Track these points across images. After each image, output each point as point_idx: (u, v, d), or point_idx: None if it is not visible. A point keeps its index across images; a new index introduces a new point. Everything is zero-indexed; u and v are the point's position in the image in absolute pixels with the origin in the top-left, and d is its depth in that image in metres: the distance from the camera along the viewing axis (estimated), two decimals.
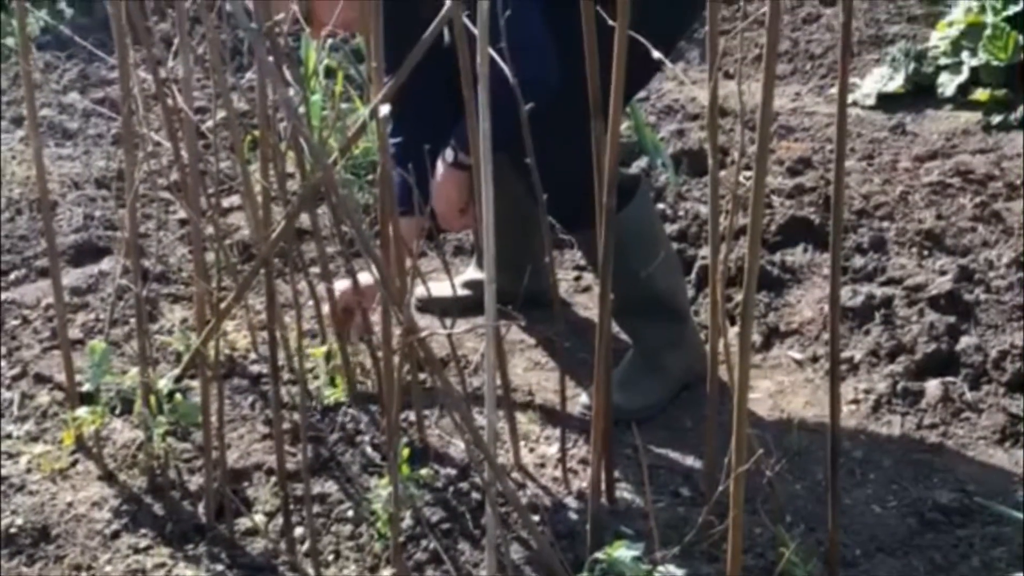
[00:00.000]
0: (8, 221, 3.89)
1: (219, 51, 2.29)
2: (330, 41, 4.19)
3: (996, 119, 4.38)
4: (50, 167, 4.12)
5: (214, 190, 2.47)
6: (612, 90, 1.97)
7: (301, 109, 2.30)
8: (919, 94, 4.71)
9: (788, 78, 5.10)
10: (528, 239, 3.06)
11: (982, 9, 4.63)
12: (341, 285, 2.85)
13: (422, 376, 2.70)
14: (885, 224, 3.68)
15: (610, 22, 1.89)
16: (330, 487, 2.61)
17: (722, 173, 3.36)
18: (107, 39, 2.74)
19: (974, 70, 4.55)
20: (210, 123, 2.54)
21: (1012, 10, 4.56)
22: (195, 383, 2.70)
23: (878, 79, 4.74)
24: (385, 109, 1.99)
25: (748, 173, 2.43)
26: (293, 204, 2.42)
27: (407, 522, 2.44)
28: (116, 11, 2.34)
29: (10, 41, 5.51)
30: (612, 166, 2.07)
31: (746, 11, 5.17)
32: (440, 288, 2.93)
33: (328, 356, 2.91)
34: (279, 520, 2.50)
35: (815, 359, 3.15)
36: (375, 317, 2.65)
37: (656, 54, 1.86)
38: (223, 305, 2.48)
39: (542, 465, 2.72)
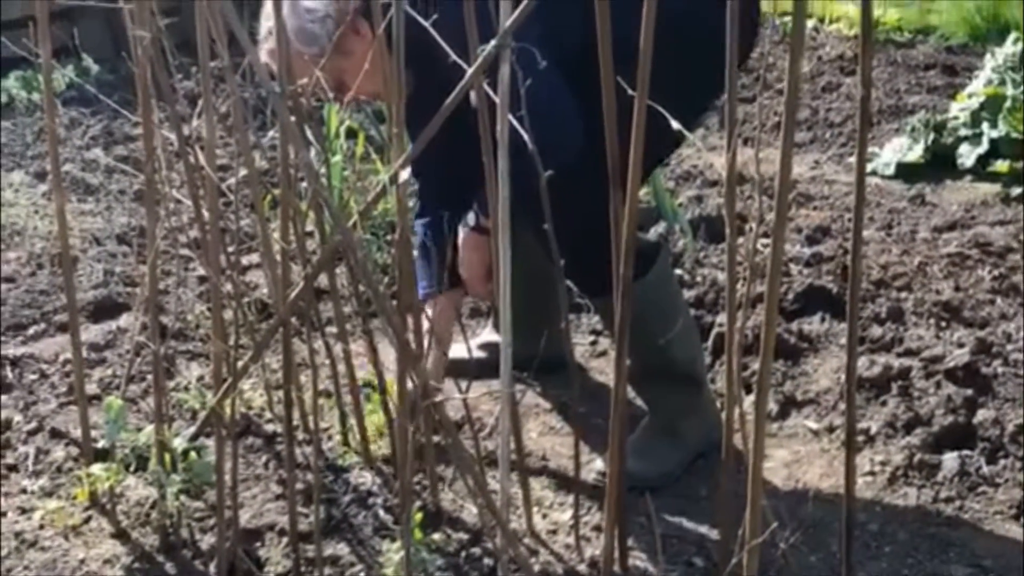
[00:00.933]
0: (29, 275, 3.91)
1: (242, 110, 2.31)
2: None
3: (1016, 191, 4.39)
4: (72, 222, 4.16)
5: (234, 248, 2.49)
6: (631, 160, 1.98)
7: (322, 170, 2.31)
8: (938, 164, 4.73)
9: (807, 146, 5.13)
10: (545, 303, 3.07)
11: (1002, 82, 4.65)
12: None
13: (436, 439, 2.69)
14: (903, 295, 3.67)
15: (630, 91, 1.90)
16: (342, 549, 2.60)
17: (740, 240, 3.37)
18: (131, 96, 2.77)
19: (994, 142, 4.56)
20: (231, 181, 2.55)
21: None
22: (210, 441, 2.71)
23: (898, 149, 4.75)
24: (405, 174, 2.00)
25: (766, 241, 2.43)
26: (312, 265, 2.43)
27: None
28: (141, 69, 2.37)
29: (36, 96, 5.59)
30: (630, 235, 2.07)
31: (765, 79, 5.23)
32: (456, 350, 2.93)
33: (343, 417, 2.91)
34: None
35: (831, 429, 3.13)
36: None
37: (676, 125, 1.87)
38: (240, 364, 2.49)
39: (555, 532, 2.70)
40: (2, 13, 5.66)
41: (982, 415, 3.04)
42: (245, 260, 3.86)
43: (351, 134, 4.47)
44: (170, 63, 2.45)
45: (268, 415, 3.12)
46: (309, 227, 2.99)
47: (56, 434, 3.04)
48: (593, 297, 2.50)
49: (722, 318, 3.39)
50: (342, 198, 3.92)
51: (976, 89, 4.73)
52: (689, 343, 2.97)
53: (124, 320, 3.61)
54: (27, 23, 2.68)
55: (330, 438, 2.90)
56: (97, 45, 6.12)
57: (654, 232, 4.11)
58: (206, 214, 2.40)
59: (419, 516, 2.44)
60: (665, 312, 2.86)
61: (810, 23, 6.61)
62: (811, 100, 5.44)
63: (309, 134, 2.45)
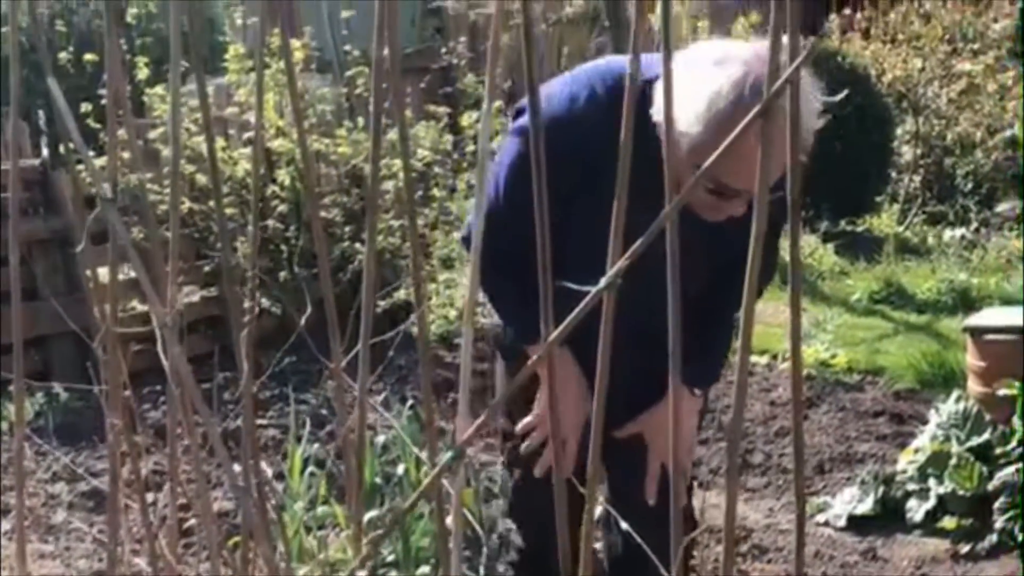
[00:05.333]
0: None
1: (216, 440, 2.38)
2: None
3: (964, 548, 4.48)
4: (31, 565, 4.16)
5: None
6: None
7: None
8: (889, 517, 4.82)
9: (762, 491, 5.22)
10: None
11: (947, 438, 4.81)
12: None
13: None
14: None
15: None
16: None
17: None
18: (99, 424, 2.84)
19: (941, 498, 4.68)
20: (192, 522, 2.60)
21: (975, 441, 4.73)
22: None
23: (848, 500, 4.86)
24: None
25: None
26: None
27: None
28: (113, 399, 2.44)
29: (3, 425, 5.65)
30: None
31: (720, 421, 5.37)
32: None
33: None
34: None
35: None
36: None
37: None
38: None
39: None
40: None
41: None
42: None
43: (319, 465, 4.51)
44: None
45: None
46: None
47: None
48: None
49: None
50: (301, 546, 3.96)
51: (923, 444, 4.88)
52: None
53: None
54: None
55: None
56: (68, 370, 6.23)
57: None
58: (167, 554, 2.44)
59: None
60: None
61: (762, 360, 6.82)
62: (764, 444, 5.58)
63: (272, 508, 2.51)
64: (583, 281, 1.23)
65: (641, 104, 2.33)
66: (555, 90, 2.54)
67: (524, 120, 2.51)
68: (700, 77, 2.28)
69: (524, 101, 2.53)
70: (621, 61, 2.60)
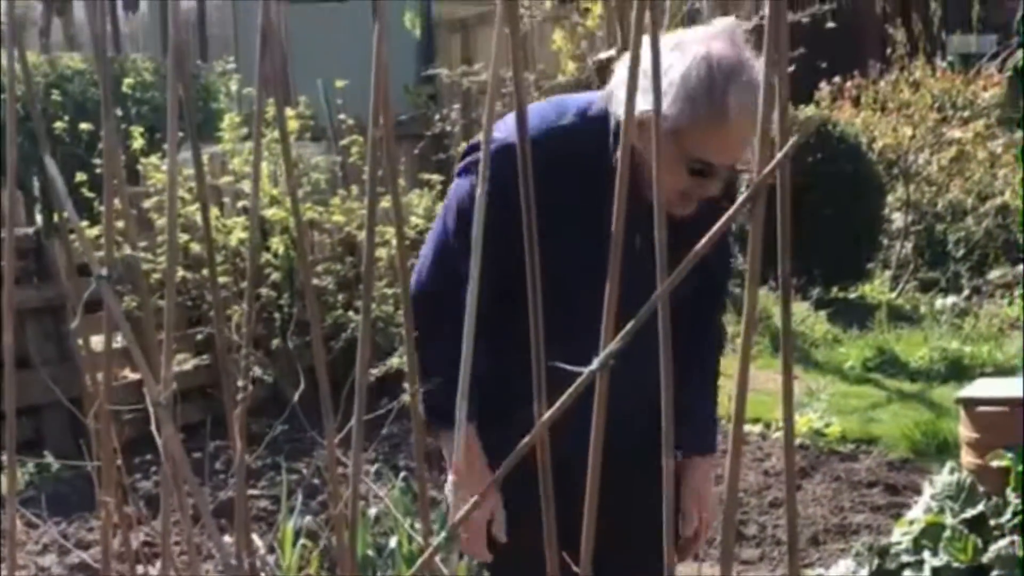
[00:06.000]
0: None
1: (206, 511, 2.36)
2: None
3: None
4: None
5: None
6: None
7: None
8: None
9: (756, 563, 5.20)
10: None
11: (940, 510, 4.78)
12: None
13: None
14: None
15: None
16: None
17: None
18: (90, 492, 2.82)
19: (936, 570, 4.64)
20: None
21: (970, 512, 4.71)
22: None
23: (844, 572, 4.83)
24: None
25: None
26: None
27: None
28: (106, 478, 2.42)
29: None
30: None
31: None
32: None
33: None
34: None
35: None
36: None
37: None
38: None
39: None
40: None
41: None
42: None
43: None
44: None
45: None
46: None
47: None
48: None
49: None
50: None
51: (916, 516, 4.86)
52: None
53: None
54: None
55: None
56: (60, 439, 6.20)
57: None
58: None
59: None
60: None
61: (755, 428, 6.80)
62: (758, 515, 5.56)
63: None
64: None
65: (604, 135, 2.38)
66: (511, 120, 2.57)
67: (472, 156, 2.54)
68: (664, 65, 2.31)
69: (475, 139, 2.55)
70: (576, 97, 2.66)
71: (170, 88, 1.45)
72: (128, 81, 10.64)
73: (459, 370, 1.19)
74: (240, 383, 1.26)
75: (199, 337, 6.89)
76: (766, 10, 1.13)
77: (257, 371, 6.54)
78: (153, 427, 1.23)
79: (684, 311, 2.03)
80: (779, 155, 0.95)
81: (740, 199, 1.04)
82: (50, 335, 6.45)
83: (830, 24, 10.88)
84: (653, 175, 1.17)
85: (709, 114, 2.30)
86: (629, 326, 1.09)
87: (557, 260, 1.83)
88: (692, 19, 10.82)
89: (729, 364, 1.92)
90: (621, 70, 2.44)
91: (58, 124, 8.90)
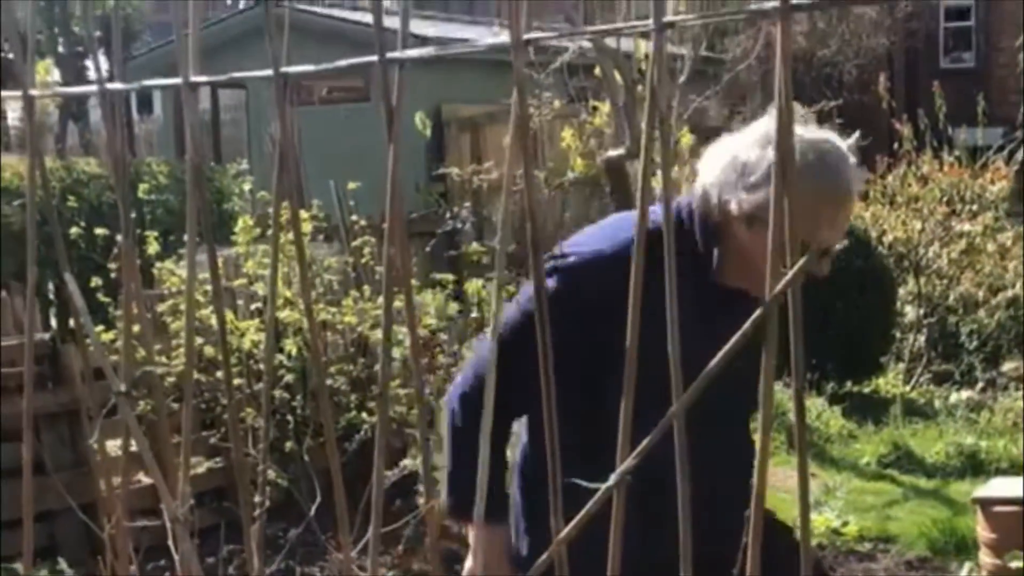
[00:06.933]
0: None
1: None
2: None
3: None
4: None
5: None
6: None
7: None
8: None
9: None
10: None
11: None
12: None
13: None
14: None
15: None
16: None
17: None
18: None
19: None
20: None
21: None
22: None
23: None
24: None
25: None
26: None
27: None
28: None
29: None
30: None
31: None
32: None
33: None
34: None
35: None
36: None
37: None
38: None
39: None
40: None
41: None
42: None
43: None
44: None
45: None
46: None
47: None
48: None
49: None
50: None
51: None
52: None
53: None
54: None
55: None
56: (73, 546, 6.17)
57: None
58: None
59: None
60: None
61: None
62: None
63: None
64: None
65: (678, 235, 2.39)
66: (581, 239, 2.60)
67: (554, 263, 2.54)
68: (755, 159, 2.34)
69: (557, 249, 2.56)
70: (629, 212, 2.69)
71: (189, 198, 1.47)
72: (143, 187, 10.72)
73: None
74: (257, 499, 1.26)
75: (212, 440, 6.88)
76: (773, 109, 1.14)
77: (270, 475, 6.51)
78: (170, 541, 1.23)
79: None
80: (789, 275, 0.96)
81: (753, 315, 1.05)
82: (65, 440, 6.44)
83: (837, 120, 10.97)
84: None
85: (833, 196, 2.41)
86: (645, 442, 1.07)
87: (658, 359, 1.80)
88: (700, 116, 10.94)
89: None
90: (713, 169, 2.42)
91: (74, 230, 8.95)
